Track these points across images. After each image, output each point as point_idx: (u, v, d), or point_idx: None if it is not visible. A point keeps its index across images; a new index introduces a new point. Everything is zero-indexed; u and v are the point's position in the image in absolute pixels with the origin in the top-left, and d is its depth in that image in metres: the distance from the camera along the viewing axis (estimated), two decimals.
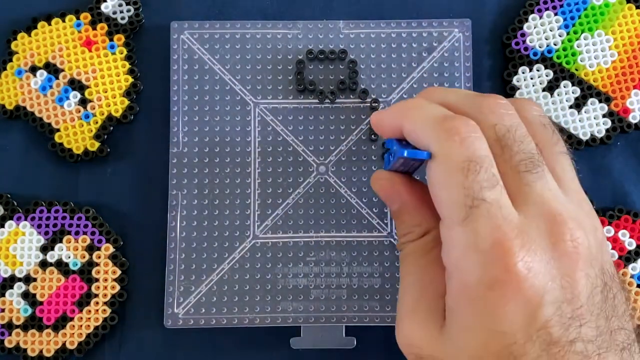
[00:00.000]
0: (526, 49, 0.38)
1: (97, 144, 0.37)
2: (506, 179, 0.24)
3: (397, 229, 0.29)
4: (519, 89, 0.37)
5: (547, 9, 0.38)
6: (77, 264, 0.36)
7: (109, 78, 0.37)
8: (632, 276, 0.35)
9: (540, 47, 0.38)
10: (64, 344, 0.35)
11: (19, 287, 0.35)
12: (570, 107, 0.37)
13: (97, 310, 0.35)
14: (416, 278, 0.27)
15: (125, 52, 0.38)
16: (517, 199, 0.24)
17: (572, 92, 0.37)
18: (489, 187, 0.23)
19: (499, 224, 0.23)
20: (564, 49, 0.38)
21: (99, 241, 0.36)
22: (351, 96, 0.37)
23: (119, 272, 0.36)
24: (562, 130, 0.28)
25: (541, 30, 0.38)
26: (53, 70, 0.37)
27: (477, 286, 0.23)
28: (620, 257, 0.35)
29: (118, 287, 0.36)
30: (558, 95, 0.37)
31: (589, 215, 0.26)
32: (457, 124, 0.25)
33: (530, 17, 0.38)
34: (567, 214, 0.24)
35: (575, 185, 0.26)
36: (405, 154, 0.26)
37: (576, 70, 0.37)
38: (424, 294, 0.27)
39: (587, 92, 0.37)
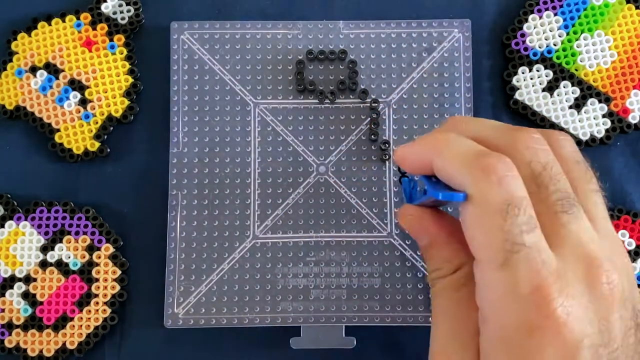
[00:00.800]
0: (526, 49, 0.38)
1: (97, 144, 0.37)
2: (541, 218, 0.24)
3: (426, 263, 0.29)
4: (518, 89, 0.37)
5: (546, 9, 0.38)
6: (77, 264, 0.36)
7: (109, 78, 0.37)
8: None
9: (540, 47, 0.38)
10: (64, 344, 0.35)
11: (19, 287, 0.35)
12: (570, 107, 0.37)
13: (97, 310, 0.35)
14: (449, 316, 0.27)
15: (125, 52, 0.38)
16: (553, 239, 0.24)
17: (572, 93, 0.37)
18: (528, 231, 0.23)
19: (538, 269, 0.23)
20: (564, 49, 0.38)
21: (99, 241, 0.36)
22: (351, 96, 0.37)
23: (119, 272, 0.36)
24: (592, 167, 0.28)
25: (541, 31, 0.38)
26: (53, 70, 0.37)
27: (515, 332, 0.23)
28: None
29: (118, 287, 0.36)
30: (558, 95, 0.37)
31: (621, 254, 0.25)
32: (493, 161, 0.24)
33: (530, 17, 0.38)
34: (602, 256, 0.24)
35: (608, 224, 0.26)
36: (440, 197, 0.25)
37: (576, 70, 0.37)
38: (457, 333, 0.26)
39: (587, 92, 0.37)
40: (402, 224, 0.29)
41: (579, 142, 0.37)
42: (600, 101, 0.37)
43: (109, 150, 0.37)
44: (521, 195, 0.23)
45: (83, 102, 0.37)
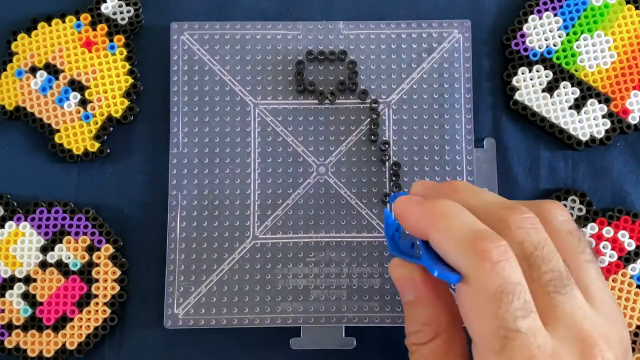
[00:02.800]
0: (526, 49, 0.38)
1: (97, 145, 0.37)
2: (535, 298, 0.24)
3: (406, 322, 0.29)
4: (518, 89, 0.37)
5: (546, 10, 0.38)
6: (77, 265, 0.36)
7: (109, 79, 0.37)
8: (631, 277, 0.35)
9: (539, 48, 0.38)
10: (64, 344, 0.35)
11: (19, 288, 0.35)
12: (570, 107, 0.37)
13: (97, 310, 0.35)
14: None
15: (125, 52, 0.38)
16: (548, 318, 0.24)
17: (572, 93, 0.37)
18: (524, 316, 0.23)
19: (534, 354, 0.23)
20: (564, 50, 0.38)
21: (99, 242, 0.36)
22: (351, 97, 0.37)
23: (118, 272, 0.36)
24: (586, 239, 0.28)
25: (541, 31, 0.38)
26: (53, 71, 0.37)
27: None
28: (619, 258, 0.36)
29: (118, 288, 0.36)
30: (557, 96, 0.37)
31: (616, 326, 0.26)
32: (489, 246, 0.24)
33: (530, 17, 0.38)
34: (597, 333, 0.24)
35: (603, 295, 0.26)
36: (436, 274, 0.25)
37: (576, 71, 0.37)
38: None
39: (587, 92, 0.37)
40: (392, 275, 0.29)
41: (578, 142, 0.37)
42: (600, 102, 0.37)
43: (108, 150, 0.37)
44: (516, 281, 0.24)
45: (83, 102, 0.37)
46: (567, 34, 0.38)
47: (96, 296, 0.35)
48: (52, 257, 0.36)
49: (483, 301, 0.24)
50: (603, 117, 0.37)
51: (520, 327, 0.23)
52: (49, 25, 0.38)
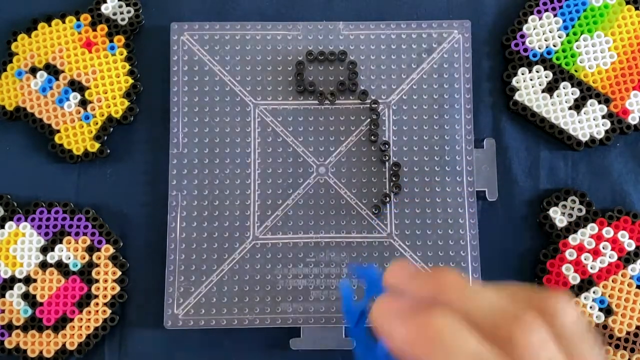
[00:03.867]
0: (525, 50, 0.38)
1: (97, 145, 0.37)
2: None
3: None
4: (518, 90, 0.37)
5: (546, 11, 0.38)
6: (77, 265, 0.36)
7: (109, 79, 0.37)
8: (631, 277, 0.35)
9: (539, 48, 0.38)
10: (64, 344, 0.35)
11: (19, 288, 0.35)
12: (570, 108, 0.37)
13: (97, 311, 0.35)
14: None
15: (125, 53, 0.38)
16: None
17: (572, 94, 0.37)
18: None
19: None
20: (564, 50, 0.38)
21: (99, 242, 0.36)
22: (351, 97, 0.37)
23: (119, 273, 0.36)
24: (596, 327, 0.26)
25: (540, 32, 0.38)
26: (53, 71, 0.37)
27: None
28: (619, 258, 0.36)
29: (118, 288, 0.36)
30: (557, 96, 0.37)
31: None
32: None
33: (530, 18, 0.38)
34: None
35: None
36: None
37: (575, 71, 0.37)
38: None
39: (587, 93, 0.37)
40: None
41: (578, 143, 0.37)
42: (599, 102, 0.37)
43: (108, 151, 0.37)
44: None
45: (83, 103, 0.37)
46: (567, 35, 0.38)
47: (96, 296, 0.35)
48: (52, 257, 0.36)
49: None
50: (603, 117, 0.37)
51: None
52: (49, 25, 0.38)
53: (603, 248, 0.36)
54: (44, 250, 0.36)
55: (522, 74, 0.38)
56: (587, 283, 0.35)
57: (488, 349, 0.21)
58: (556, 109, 0.37)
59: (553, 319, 0.23)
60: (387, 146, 0.37)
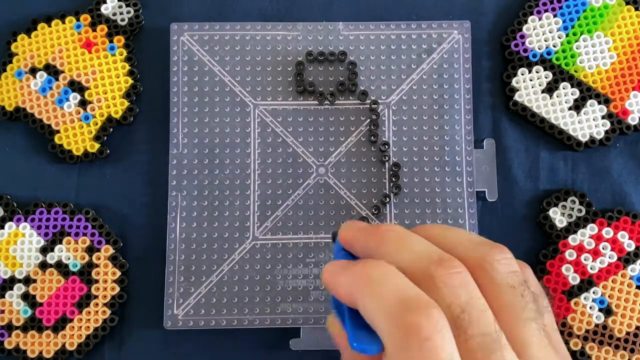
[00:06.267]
0: (525, 50, 0.38)
1: (97, 146, 0.37)
2: None
3: None
4: (518, 90, 0.37)
5: (546, 11, 0.38)
6: (76, 265, 0.36)
7: (109, 79, 0.37)
8: (631, 277, 0.35)
9: (539, 48, 0.38)
10: (63, 345, 0.35)
11: (18, 289, 0.35)
12: (570, 108, 0.37)
13: (97, 311, 0.35)
14: None
15: (125, 53, 0.38)
16: None
17: (572, 94, 0.37)
18: None
19: None
20: (563, 51, 0.38)
21: (99, 242, 0.36)
22: (351, 98, 0.37)
23: (118, 273, 0.36)
24: (541, 296, 0.26)
25: (540, 32, 0.38)
26: (53, 71, 0.37)
27: None
28: (619, 259, 0.36)
29: (118, 289, 0.36)
30: (557, 96, 0.37)
31: None
32: (417, 320, 0.21)
33: (530, 18, 0.38)
34: None
35: (541, 353, 0.23)
36: (354, 347, 0.23)
37: (575, 71, 0.37)
38: None
39: (586, 93, 0.37)
40: (327, 328, 0.27)
41: (578, 143, 0.37)
42: (599, 102, 0.37)
43: (108, 151, 0.37)
44: (446, 358, 0.21)
45: (83, 103, 0.37)
46: (567, 35, 0.38)
47: (96, 297, 0.35)
48: (52, 257, 0.36)
49: None
50: (603, 117, 0.37)
51: None
52: (49, 26, 0.38)
53: (603, 248, 0.36)
54: (44, 250, 0.36)
55: (522, 74, 0.38)
56: (586, 283, 0.35)
57: (412, 285, 0.23)
58: (556, 109, 0.37)
59: (486, 269, 0.24)
60: (387, 146, 0.37)
